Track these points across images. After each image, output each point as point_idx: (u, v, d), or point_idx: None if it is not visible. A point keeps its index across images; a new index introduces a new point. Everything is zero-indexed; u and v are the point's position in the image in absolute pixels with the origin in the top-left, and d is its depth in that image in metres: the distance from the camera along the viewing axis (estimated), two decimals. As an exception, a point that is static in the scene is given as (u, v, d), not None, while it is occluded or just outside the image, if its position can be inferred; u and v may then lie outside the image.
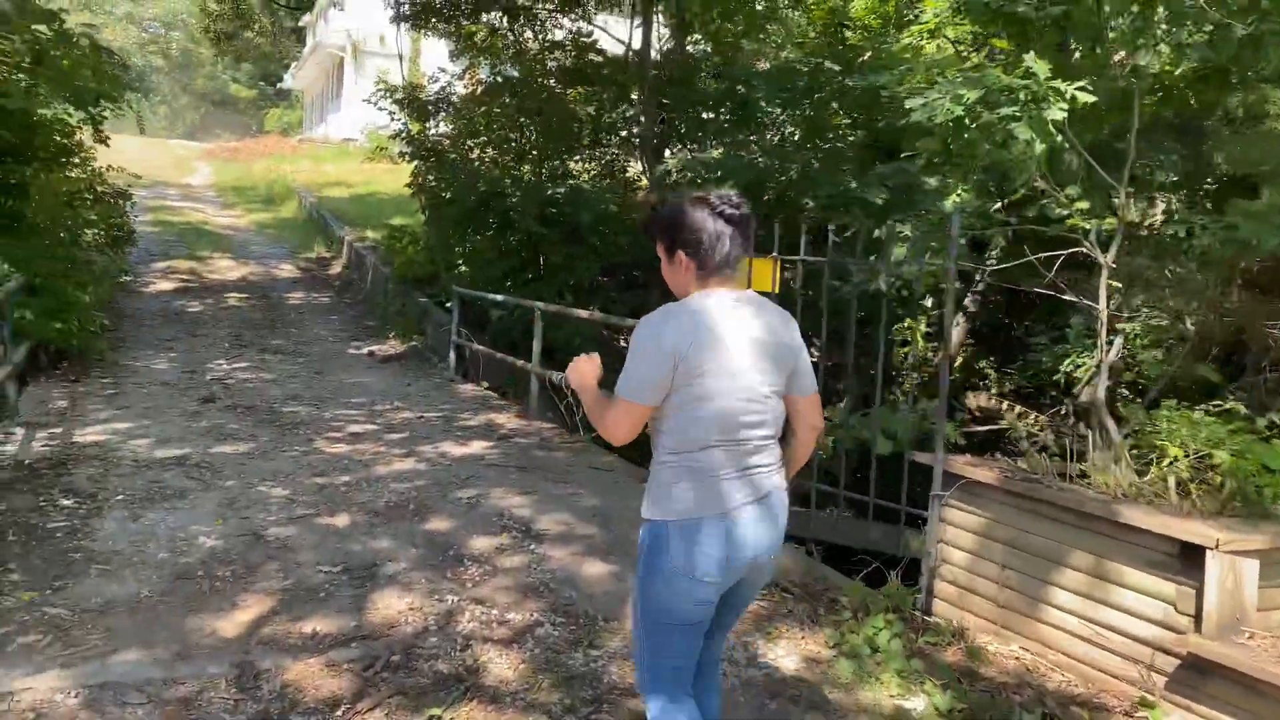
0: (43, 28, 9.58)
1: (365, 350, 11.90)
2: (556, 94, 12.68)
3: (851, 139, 10.88)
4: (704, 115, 11.52)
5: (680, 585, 2.42)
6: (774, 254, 6.08)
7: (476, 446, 7.38)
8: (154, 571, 4.55)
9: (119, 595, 4.25)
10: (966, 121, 4.87)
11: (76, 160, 12.83)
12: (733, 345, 2.41)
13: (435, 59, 27.56)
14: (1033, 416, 8.23)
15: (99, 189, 12.75)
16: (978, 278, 14.12)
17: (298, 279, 16.64)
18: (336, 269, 17.61)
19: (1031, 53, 4.95)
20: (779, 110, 10.80)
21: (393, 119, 13.81)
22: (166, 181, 27.96)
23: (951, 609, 4.64)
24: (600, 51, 13.95)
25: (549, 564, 4.89)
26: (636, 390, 2.38)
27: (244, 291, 15.08)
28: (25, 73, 9.94)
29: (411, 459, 6.87)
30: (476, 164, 12.45)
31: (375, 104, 14.53)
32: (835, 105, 10.96)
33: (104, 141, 13.79)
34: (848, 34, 12.44)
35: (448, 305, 12.31)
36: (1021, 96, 4.71)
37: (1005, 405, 9.94)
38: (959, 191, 8.57)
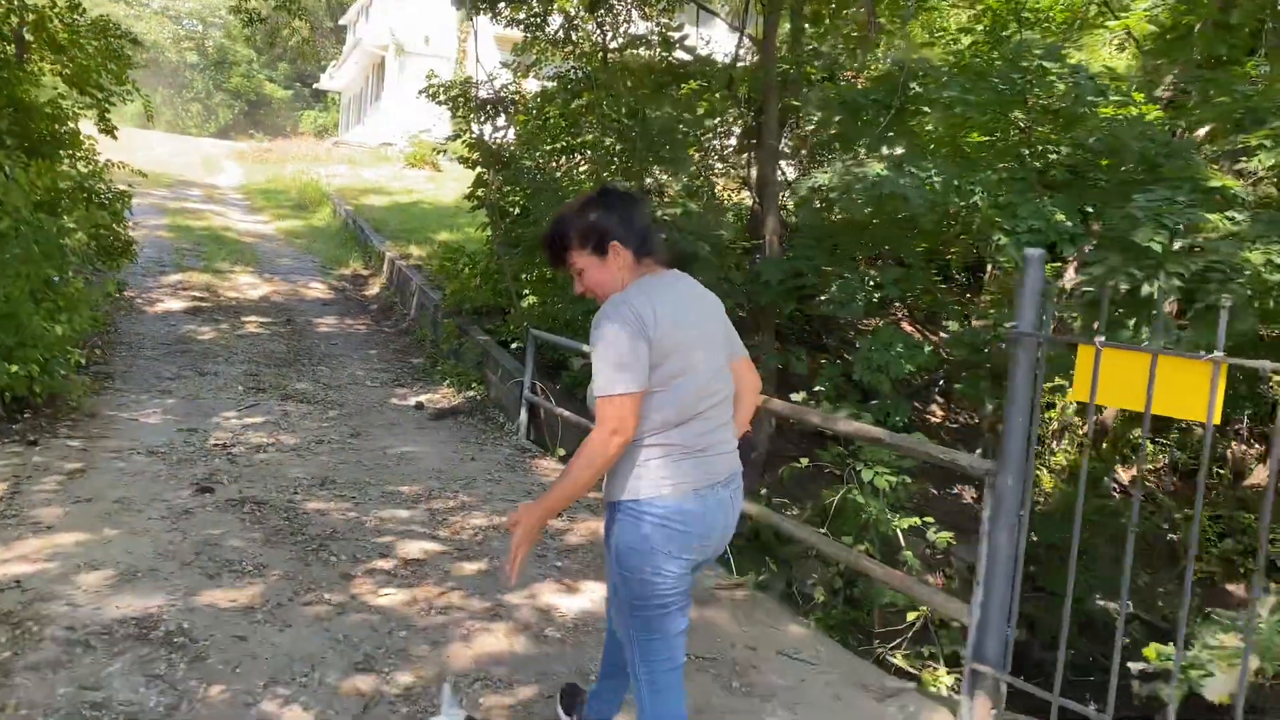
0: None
1: (412, 401, 9.49)
2: (655, 92, 10.26)
3: (1054, 156, 8.39)
4: (856, 121, 9.03)
5: (656, 563, 2.45)
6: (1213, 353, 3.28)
7: (596, 591, 4.93)
8: None
9: None
10: None
11: (72, 154, 10.62)
12: (687, 322, 2.50)
13: (486, 58, 25.48)
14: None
15: (94, 188, 10.44)
16: None
17: (329, 300, 14.27)
18: (374, 289, 15.26)
19: None
20: (966, 115, 8.31)
21: (454, 114, 11.42)
22: (191, 181, 25.83)
23: None
24: (689, 49, 11.59)
25: None
26: (628, 378, 2.35)
27: (266, 315, 12.72)
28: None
29: (502, 626, 4.43)
30: (559, 174, 10.06)
31: (433, 98, 12.17)
32: (1036, 113, 8.50)
33: (110, 132, 11.58)
34: (1026, 32, 9.95)
35: (515, 346, 9.93)
36: None
37: None
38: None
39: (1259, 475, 13.36)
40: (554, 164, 10.43)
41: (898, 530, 7.18)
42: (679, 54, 11.44)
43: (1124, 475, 13.50)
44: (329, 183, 24.42)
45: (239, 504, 5.91)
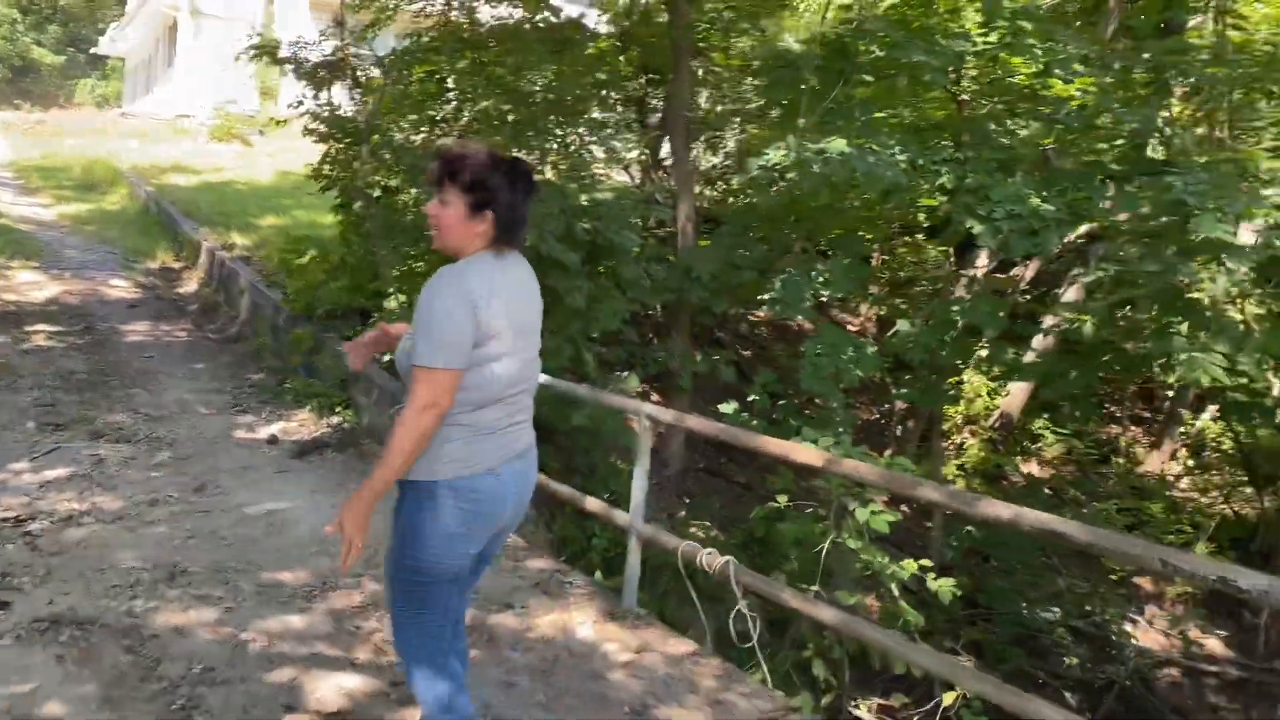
0: None
1: (264, 434, 7.58)
2: (555, 53, 8.62)
3: (1024, 132, 7.41)
4: (798, 88, 7.75)
5: (451, 543, 2.50)
6: None
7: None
8: None
9: None
10: None
11: None
12: (518, 306, 2.56)
13: (295, 24, 22.87)
14: None
15: None
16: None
17: (137, 301, 11.85)
18: (190, 285, 12.92)
19: None
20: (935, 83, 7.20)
21: (301, 79, 9.42)
22: (-57, 157, 22.06)
23: None
24: (554, 9, 10.05)
25: None
26: (451, 355, 2.37)
27: (57, 322, 10.29)
28: None
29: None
30: (428, 148, 8.32)
31: (261, 59, 10.14)
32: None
33: None
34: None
35: (389, 359, 8.16)
36: None
37: None
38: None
39: (1153, 462, 13.14)
40: (428, 135, 8.65)
41: (892, 581, 6.02)
42: (556, 14, 9.89)
43: (1026, 468, 13.02)
44: (121, 159, 21.28)
45: (52, 627, 4.05)
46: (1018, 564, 10.43)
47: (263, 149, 22.74)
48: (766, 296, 7.52)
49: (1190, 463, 13.49)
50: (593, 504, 5.17)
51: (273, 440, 7.47)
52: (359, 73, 10.30)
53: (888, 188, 6.95)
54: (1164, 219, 5.69)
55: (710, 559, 4.17)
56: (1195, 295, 5.36)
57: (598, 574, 5.87)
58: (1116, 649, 10.13)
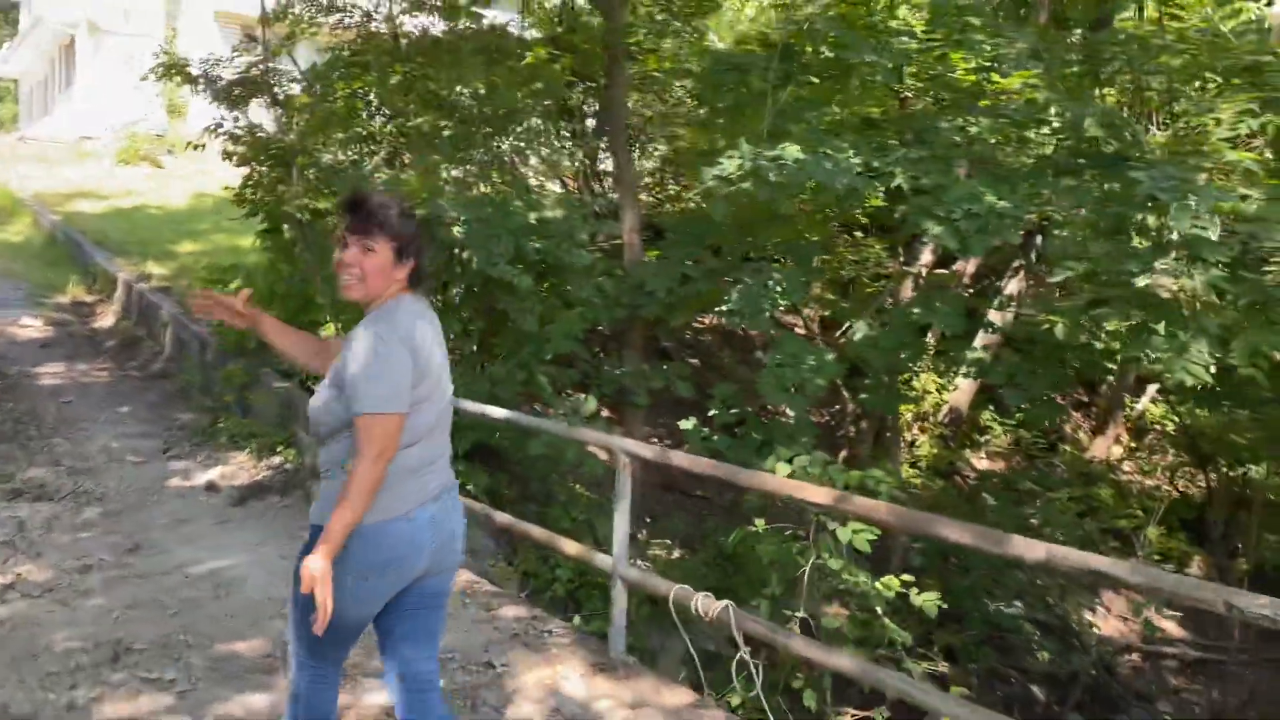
0: None
1: (201, 480, 7.11)
2: (491, 65, 8.25)
3: (975, 129, 7.29)
4: (742, 91, 7.54)
5: (357, 590, 2.44)
6: None
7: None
8: None
9: None
10: None
11: None
12: (434, 350, 2.56)
13: (201, 39, 21.99)
14: None
15: None
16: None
17: (49, 340, 11.15)
18: (107, 320, 12.24)
19: None
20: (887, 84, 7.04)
21: (215, 99, 8.92)
22: None
23: None
24: (477, 16, 9.68)
25: None
26: (396, 399, 2.37)
27: (-38, 369, 9.64)
28: None
29: None
30: (369, 168, 7.90)
31: (167, 78, 9.61)
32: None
33: None
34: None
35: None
36: None
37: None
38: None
39: (1099, 448, 13.26)
40: (357, 155, 8.22)
41: (879, 603, 5.82)
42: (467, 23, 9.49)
43: (976, 461, 13.03)
44: (22, 186, 20.24)
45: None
46: (980, 563, 10.39)
47: (175, 170, 21.84)
48: (724, 307, 7.28)
49: (1133, 446, 13.65)
50: (572, 547, 4.87)
51: (211, 487, 7.01)
52: (278, 89, 9.83)
53: (844, 192, 6.76)
54: (1137, 215, 5.59)
55: (706, 604, 3.90)
56: (1170, 293, 5.26)
57: (576, 619, 5.56)
58: (1079, 640, 10.15)
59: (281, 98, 9.68)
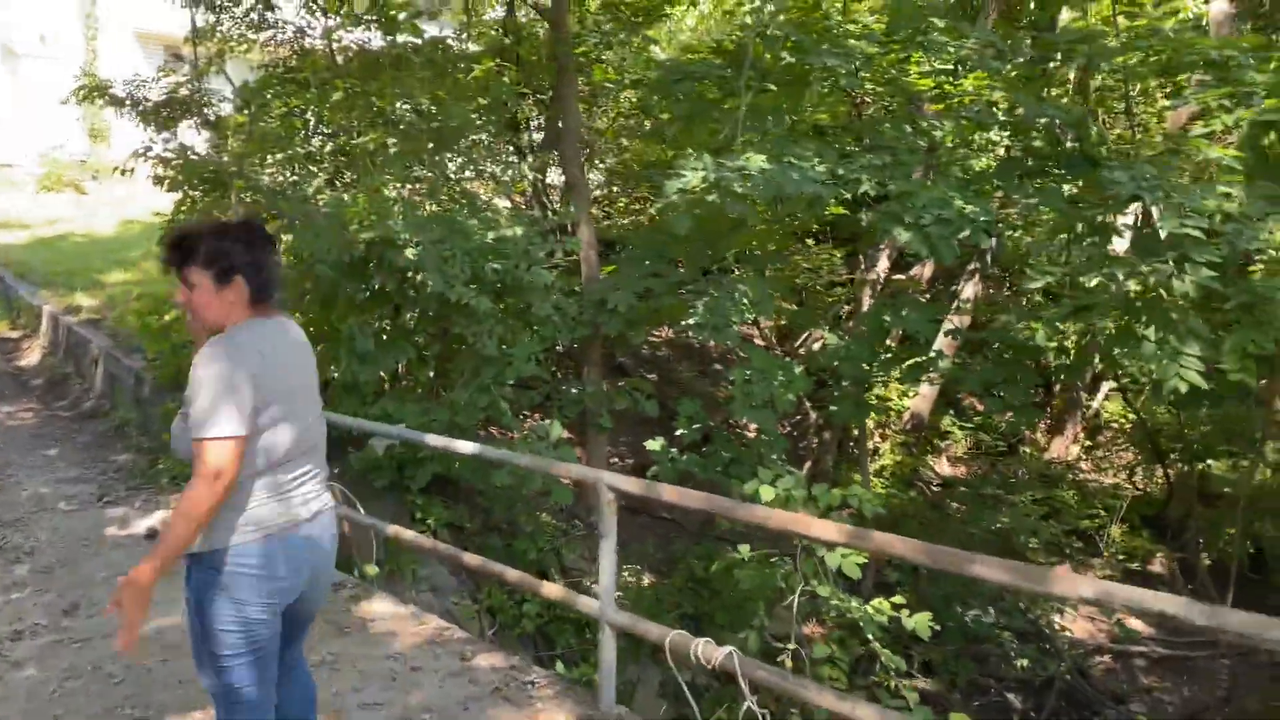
0: None
1: (141, 527, 6.64)
2: (439, 79, 7.90)
3: (939, 133, 7.15)
4: (700, 101, 7.29)
5: (242, 613, 2.44)
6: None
7: None
8: None
9: None
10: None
11: None
12: (291, 370, 2.51)
13: (123, 60, 21.22)
14: None
15: None
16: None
17: (-30, 381, 10.54)
18: (33, 356, 11.60)
19: None
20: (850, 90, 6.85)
21: (142, 123, 8.46)
22: None
23: None
24: (417, 28, 9.33)
25: None
26: (229, 423, 2.33)
27: (-124, 415, 9.00)
28: None
29: None
30: (310, 190, 7.51)
31: (90, 100, 9.15)
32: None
33: None
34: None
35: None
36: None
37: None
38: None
39: (1057, 448, 13.26)
40: (299, 175, 7.81)
41: (871, 628, 5.59)
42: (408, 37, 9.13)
43: (938, 467, 12.94)
44: (-64, 218, 19.29)
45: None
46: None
47: (101, 197, 21.02)
48: (691, 321, 7.03)
49: (1088, 444, 13.69)
50: (554, 590, 4.54)
51: (152, 535, 6.55)
52: (209, 110, 9.38)
53: (808, 201, 6.56)
54: (1107, 217, 5.43)
55: (708, 651, 3.61)
56: (1156, 296, 5.11)
57: (560, 666, 5.23)
58: (1053, 645, 10.06)
59: (213, 118, 9.27)
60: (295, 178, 8.12)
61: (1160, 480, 12.53)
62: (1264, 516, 10.73)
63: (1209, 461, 11.80)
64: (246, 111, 8.31)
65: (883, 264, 10.97)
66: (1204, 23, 10.42)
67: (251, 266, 2.49)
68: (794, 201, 6.65)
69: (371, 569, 6.16)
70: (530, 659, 5.26)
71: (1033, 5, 8.94)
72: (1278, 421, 11.00)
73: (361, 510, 6.15)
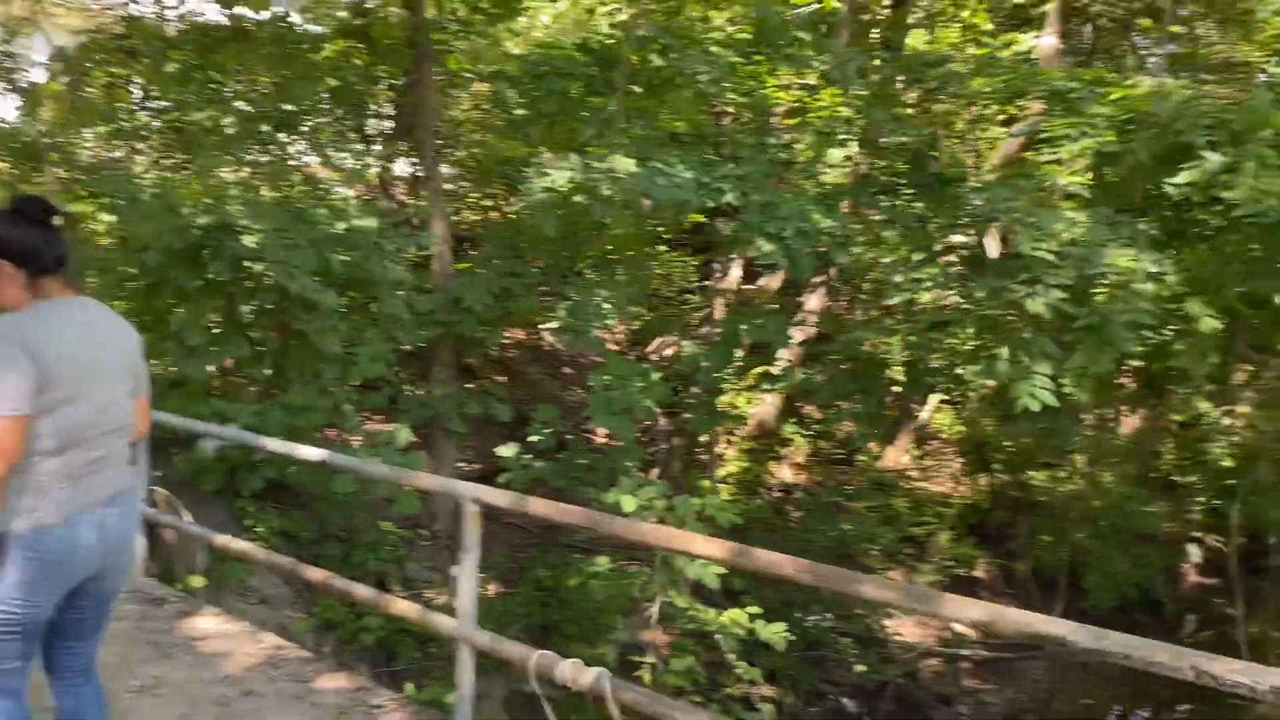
0: None
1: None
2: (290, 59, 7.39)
3: (799, 145, 7.22)
4: (566, 98, 7.12)
5: (27, 594, 2.40)
6: None
7: None
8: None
9: None
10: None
11: None
12: (83, 351, 2.44)
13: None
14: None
15: None
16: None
17: None
18: None
19: None
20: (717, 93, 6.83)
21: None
22: None
23: None
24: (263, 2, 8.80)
25: None
26: (14, 401, 2.27)
27: None
28: None
29: None
30: (143, 170, 6.90)
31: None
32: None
33: None
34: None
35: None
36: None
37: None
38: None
39: (890, 456, 13.71)
40: (122, 150, 7.17)
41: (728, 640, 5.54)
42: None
43: (779, 473, 13.17)
44: None
45: None
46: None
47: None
48: (554, 324, 6.84)
49: (918, 454, 14.24)
50: (405, 607, 4.25)
51: None
52: (18, 75, 8.55)
53: (677, 207, 6.49)
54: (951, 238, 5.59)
55: (576, 672, 3.42)
56: (1011, 316, 5.27)
57: (410, 687, 4.93)
58: (886, 649, 10.36)
59: (25, 85, 8.45)
60: (119, 154, 7.44)
61: (984, 488, 13.16)
62: (1078, 524, 11.39)
63: (1029, 472, 12.47)
64: (68, 80, 7.57)
65: (735, 273, 11.05)
66: (1032, 55, 11.00)
67: (16, 241, 2.39)
68: (661, 208, 6.55)
69: (197, 580, 5.68)
70: (374, 678, 4.93)
71: (881, 30, 9.17)
72: (1087, 435, 11.73)
73: (188, 517, 5.66)
